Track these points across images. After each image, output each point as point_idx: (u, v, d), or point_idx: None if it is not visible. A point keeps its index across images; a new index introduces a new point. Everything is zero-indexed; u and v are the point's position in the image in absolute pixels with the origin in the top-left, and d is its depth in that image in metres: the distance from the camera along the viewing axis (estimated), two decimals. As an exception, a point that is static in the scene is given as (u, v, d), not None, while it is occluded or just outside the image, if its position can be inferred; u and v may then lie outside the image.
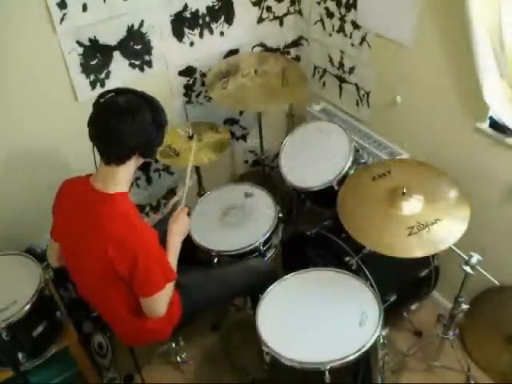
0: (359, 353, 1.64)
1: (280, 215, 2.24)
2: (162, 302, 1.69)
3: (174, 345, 2.35)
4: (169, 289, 1.71)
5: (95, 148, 1.60)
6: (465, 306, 1.99)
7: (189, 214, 1.98)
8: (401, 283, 2.23)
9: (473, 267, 1.77)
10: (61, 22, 1.96)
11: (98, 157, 1.61)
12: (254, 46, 2.66)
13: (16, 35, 1.91)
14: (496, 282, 1.74)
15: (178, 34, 2.34)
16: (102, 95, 1.60)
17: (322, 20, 2.54)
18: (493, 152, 1.99)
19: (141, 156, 1.64)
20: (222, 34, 2.48)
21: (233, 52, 2.58)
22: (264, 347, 1.70)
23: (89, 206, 1.63)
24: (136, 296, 1.67)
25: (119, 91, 1.61)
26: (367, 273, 2.05)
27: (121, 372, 2.40)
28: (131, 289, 1.65)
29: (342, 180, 2.11)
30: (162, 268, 1.66)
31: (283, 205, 2.33)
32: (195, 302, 1.93)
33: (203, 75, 2.54)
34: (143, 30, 2.21)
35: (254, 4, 2.52)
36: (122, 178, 1.63)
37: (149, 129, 1.58)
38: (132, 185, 1.70)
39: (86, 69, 2.13)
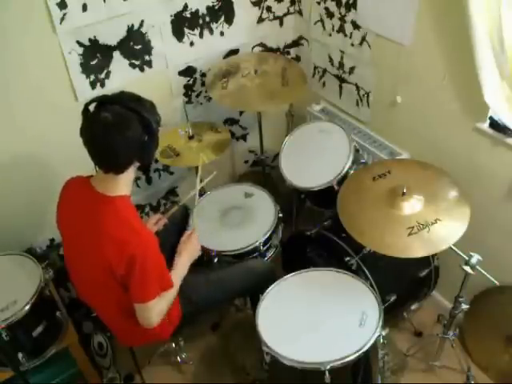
0: (359, 353, 1.64)
1: (280, 215, 2.24)
2: (156, 311, 1.66)
3: (173, 345, 2.35)
4: (165, 300, 1.69)
5: None
6: (465, 306, 1.99)
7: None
8: (401, 283, 2.23)
9: (473, 267, 1.77)
10: (61, 22, 1.96)
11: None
12: (254, 46, 2.66)
13: (16, 35, 1.91)
14: (496, 282, 1.74)
15: (178, 34, 2.34)
16: (88, 103, 1.53)
17: (321, 20, 2.54)
18: (493, 152, 1.99)
19: (139, 162, 1.62)
20: (222, 33, 2.48)
21: (233, 52, 2.58)
22: (264, 347, 1.70)
23: (90, 207, 1.62)
24: (131, 301, 1.65)
25: (104, 100, 1.53)
26: (367, 273, 2.05)
27: (121, 372, 2.40)
28: (128, 294, 1.64)
29: (342, 180, 2.11)
30: (159, 274, 1.65)
31: (283, 205, 2.33)
32: (195, 304, 1.92)
33: (203, 75, 2.54)
34: (143, 30, 2.21)
35: (254, 4, 2.52)
36: (122, 182, 1.62)
37: (141, 140, 1.53)
38: (132, 185, 1.69)
39: (86, 69, 2.13)
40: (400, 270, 2.18)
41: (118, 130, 1.49)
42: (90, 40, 2.08)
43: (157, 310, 1.66)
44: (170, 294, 1.72)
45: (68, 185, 1.74)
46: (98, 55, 2.14)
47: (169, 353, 2.42)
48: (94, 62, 2.14)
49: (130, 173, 1.63)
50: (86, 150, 1.55)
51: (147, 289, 1.62)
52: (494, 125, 1.94)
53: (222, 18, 2.44)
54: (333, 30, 2.50)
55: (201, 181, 2.08)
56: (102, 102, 1.53)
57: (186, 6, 2.29)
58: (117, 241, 1.55)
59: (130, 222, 1.61)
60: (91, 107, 1.53)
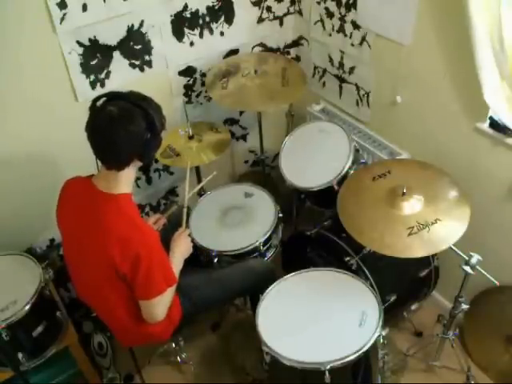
0: (359, 353, 1.64)
1: (280, 215, 2.24)
2: (161, 306, 1.69)
3: (173, 345, 2.35)
4: (169, 294, 1.70)
5: None
6: (465, 306, 1.99)
7: (189, 235, 1.99)
8: (401, 283, 2.23)
9: (473, 267, 1.77)
10: (61, 22, 1.96)
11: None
12: (254, 46, 2.66)
13: (16, 35, 1.91)
14: (496, 282, 1.74)
15: (178, 34, 2.33)
16: (96, 99, 1.56)
17: (321, 20, 2.54)
18: (493, 152, 1.99)
19: (139, 161, 1.63)
20: (222, 33, 2.48)
21: (233, 52, 2.58)
22: (264, 347, 1.70)
23: (92, 205, 1.62)
24: (136, 299, 1.67)
25: (112, 97, 1.56)
26: (367, 273, 2.05)
27: (121, 372, 2.40)
28: (131, 291, 1.65)
29: (342, 180, 2.11)
30: (163, 271, 1.66)
31: (283, 205, 2.33)
32: (195, 304, 1.93)
33: (203, 75, 2.54)
34: (143, 30, 2.21)
35: (254, 4, 2.52)
36: (124, 180, 1.63)
37: (144, 136, 1.55)
38: (133, 184, 1.70)
39: (86, 69, 2.13)
40: (400, 270, 2.18)
41: (121, 124, 1.51)
42: (89, 40, 2.08)
43: (162, 305, 1.68)
44: (173, 289, 1.73)
45: (68, 185, 1.75)
46: (98, 55, 2.14)
47: (169, 353, 2.42)
48: (94, 62, 2.14)
49: (131, 171, 1.64)
50: (86, 151, 1.56)
51: (153, 287, 1.63)
52: (494, 125, 1.94)
53: (222, 18, 2.44)
54: (333, 30, 2.50)
55: (199, 181, 2.08)
56: (109, 97, 1.55)
57: (185, 6, 2.29)
58: (120, 238, 1.56)
59: (133, 218, 1.62)
60: (99, 103, 1.56)
